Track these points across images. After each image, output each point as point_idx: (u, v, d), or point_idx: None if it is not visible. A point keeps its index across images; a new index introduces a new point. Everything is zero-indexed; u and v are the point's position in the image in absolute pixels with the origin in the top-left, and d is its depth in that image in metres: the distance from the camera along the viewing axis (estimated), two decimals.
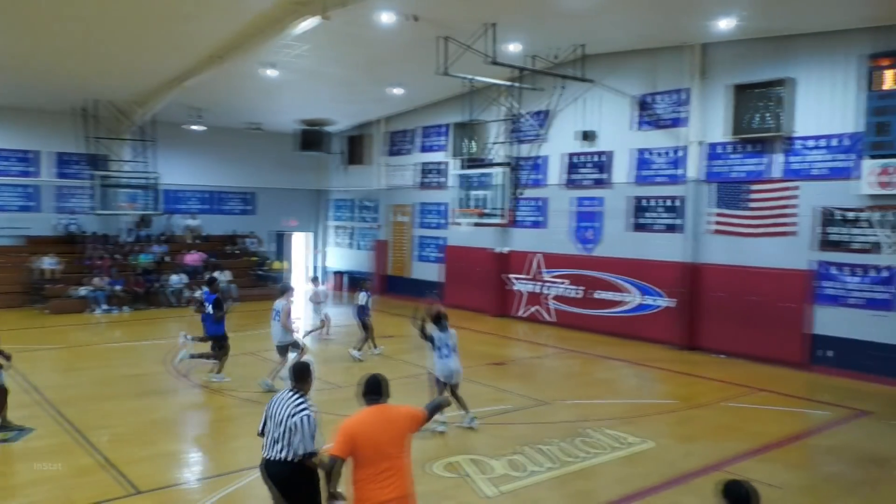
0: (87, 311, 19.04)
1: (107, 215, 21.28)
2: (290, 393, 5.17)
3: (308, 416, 4.99)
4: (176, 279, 20.95)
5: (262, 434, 5.25)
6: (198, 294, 20.37)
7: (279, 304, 11.25)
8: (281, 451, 5.00)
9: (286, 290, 11.70)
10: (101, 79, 17.85)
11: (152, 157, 21.42)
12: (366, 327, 13.83)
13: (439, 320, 9.26)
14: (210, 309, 11.45)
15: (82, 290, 19.45)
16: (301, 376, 5.25)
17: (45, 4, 12.43)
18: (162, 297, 20.60)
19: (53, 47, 15.02)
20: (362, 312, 13.89)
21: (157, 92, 18.78)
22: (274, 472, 5.04)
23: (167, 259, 21.94)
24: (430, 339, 9.17)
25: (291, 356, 10.98)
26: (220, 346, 11.56)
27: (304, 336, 14.25)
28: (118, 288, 19.84)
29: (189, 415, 10.22)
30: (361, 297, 14.04)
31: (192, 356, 11.60)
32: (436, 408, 5.08)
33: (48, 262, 20.10)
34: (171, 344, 14.76)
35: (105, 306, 19.32)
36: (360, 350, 13.53)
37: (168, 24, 13.50)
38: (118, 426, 9.15)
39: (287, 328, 11.19)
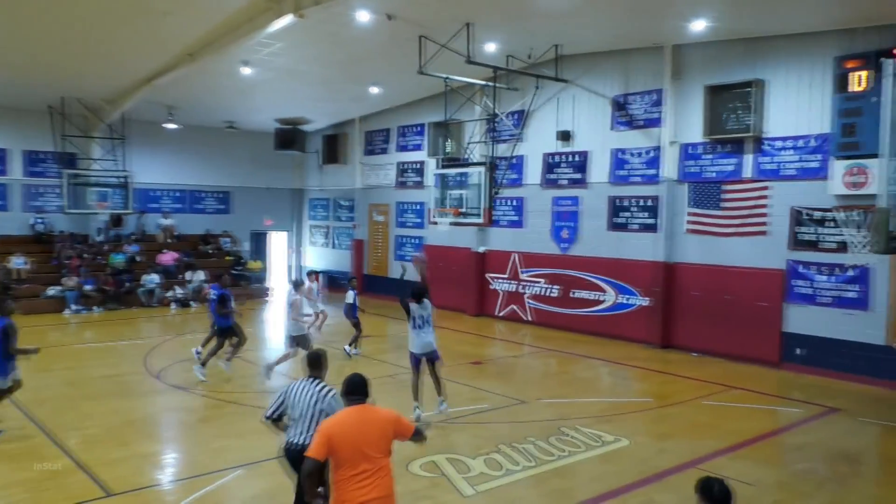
0: (65, 311, 18.83)
1: (78, 214, 20.96)
2: (310, 381, 5.47)
3: (337, 392, 5.28)
4: (152, 279, 20.69)
5: (269, 417, 5.54)
6: (195, 286, 20.54)
7: (289, 297, 11.90)
8: (299, 437, 5.30)
9: (298, 285, 12.28)
10: (73, 76, 17.55)
11: (126, 156, 21.11)
12: (356, 326, 13.87)
13: (421, 298, 9.31)
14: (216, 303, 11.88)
15: (52, 290, 19.14)
16: (316, 364, 5.57)
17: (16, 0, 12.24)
18: (143, 297, 20.34)
19: (24, 43, 14.74)
20: (353, 311, 13.91)
21: (131, 89, 18.52)
22: (294, 457, 5.27)
23: (141, 259, 21.62)
24: (406, 310, 9.28)
25: (294, 350, 11.41)
26: (220, 340, 11.87)
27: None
28: (89, 288, 19.54)
29: (165, 416, 10.09)
30: (350, 296, 14.10)
31: (228, 359, 11.84)
32: (420, 435, 4.96)
33: (17, 262, 19.73)
34: (148, 344, 14.66)
35: (76, 306, 19.05)
36: (350, 346, 13.65)
37: (142, 21, 13.31)
38: (91, 427, 9.02)
39: (297, 321, 11.59)
